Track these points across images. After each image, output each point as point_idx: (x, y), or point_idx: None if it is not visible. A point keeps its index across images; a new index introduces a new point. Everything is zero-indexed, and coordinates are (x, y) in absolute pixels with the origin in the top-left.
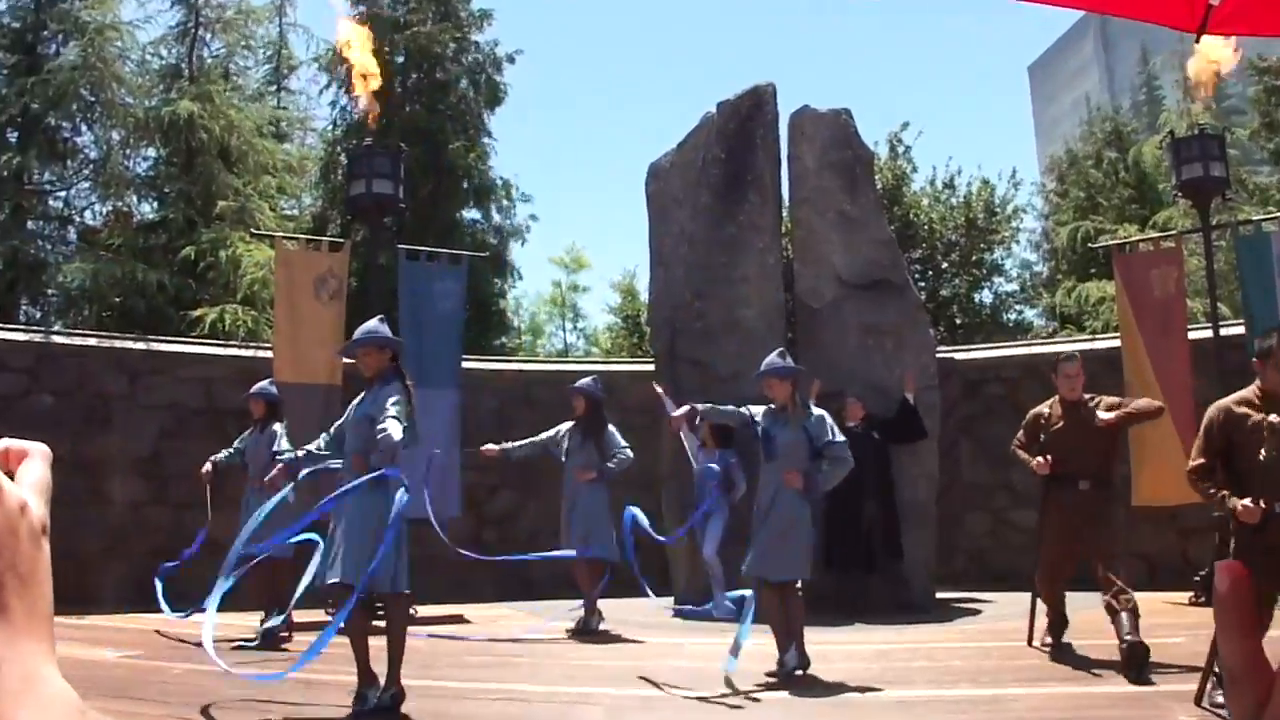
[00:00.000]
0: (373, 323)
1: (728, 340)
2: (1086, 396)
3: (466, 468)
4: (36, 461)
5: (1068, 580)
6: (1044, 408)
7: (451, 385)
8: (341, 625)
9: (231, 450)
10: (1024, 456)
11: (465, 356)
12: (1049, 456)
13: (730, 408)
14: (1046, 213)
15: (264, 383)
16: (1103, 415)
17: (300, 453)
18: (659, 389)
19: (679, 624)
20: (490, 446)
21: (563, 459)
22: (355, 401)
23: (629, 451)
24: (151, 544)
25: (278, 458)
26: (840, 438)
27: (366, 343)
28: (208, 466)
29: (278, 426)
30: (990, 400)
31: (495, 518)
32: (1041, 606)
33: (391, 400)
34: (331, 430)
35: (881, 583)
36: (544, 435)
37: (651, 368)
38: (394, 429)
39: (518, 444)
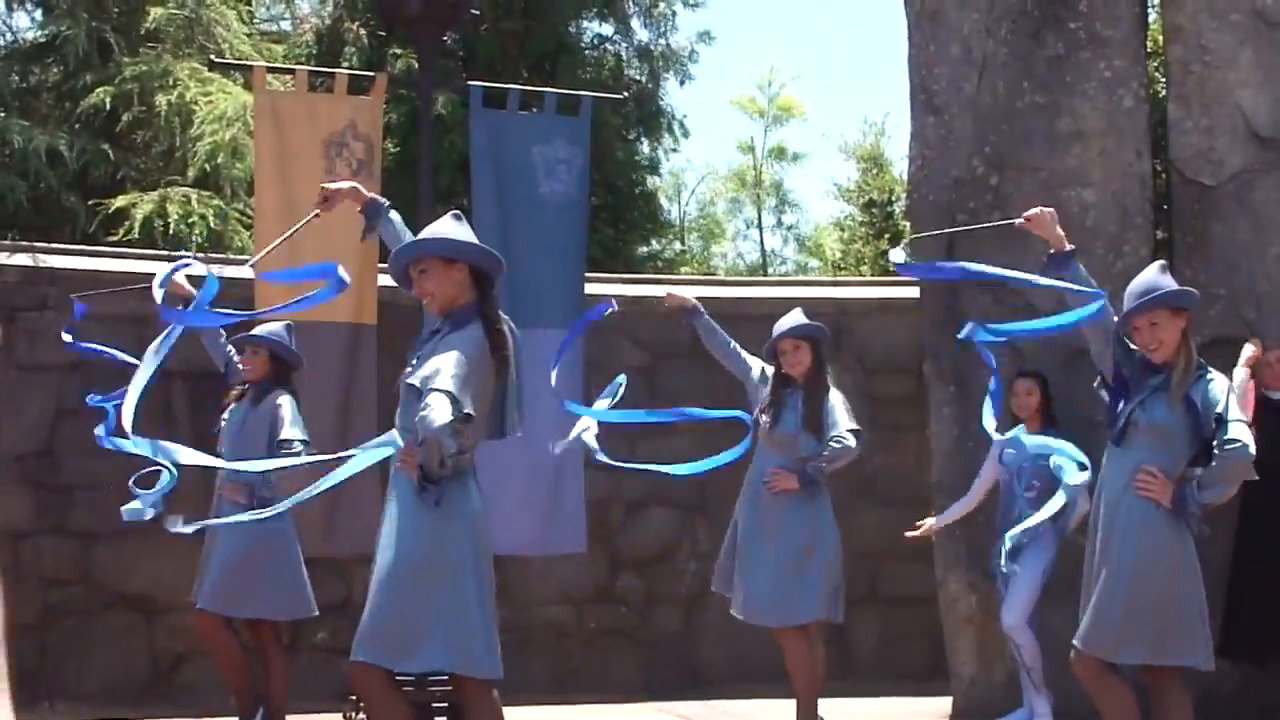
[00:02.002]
0: (444, 222)
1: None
2: None
3: (592, 468)
4: None
5: None
6: None
7: (566, 323)
8: None
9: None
10: None
11: (590, 275)
12: None
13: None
14: None
15: (276, 326)
16: None
17: None
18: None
19: None
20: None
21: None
22: (415, 350)
23: (850, 438)
24: (45, 602)
25: (283, 448)
26: (1238, 415)
27: (424, 253)
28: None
29: (284, 401)
30: None
31: (639, 556)
32: None
33: (454, 360)
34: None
35: None
36: (750, 358)
37: (914, 292)
38: (438, 410)
39: (720, 330)
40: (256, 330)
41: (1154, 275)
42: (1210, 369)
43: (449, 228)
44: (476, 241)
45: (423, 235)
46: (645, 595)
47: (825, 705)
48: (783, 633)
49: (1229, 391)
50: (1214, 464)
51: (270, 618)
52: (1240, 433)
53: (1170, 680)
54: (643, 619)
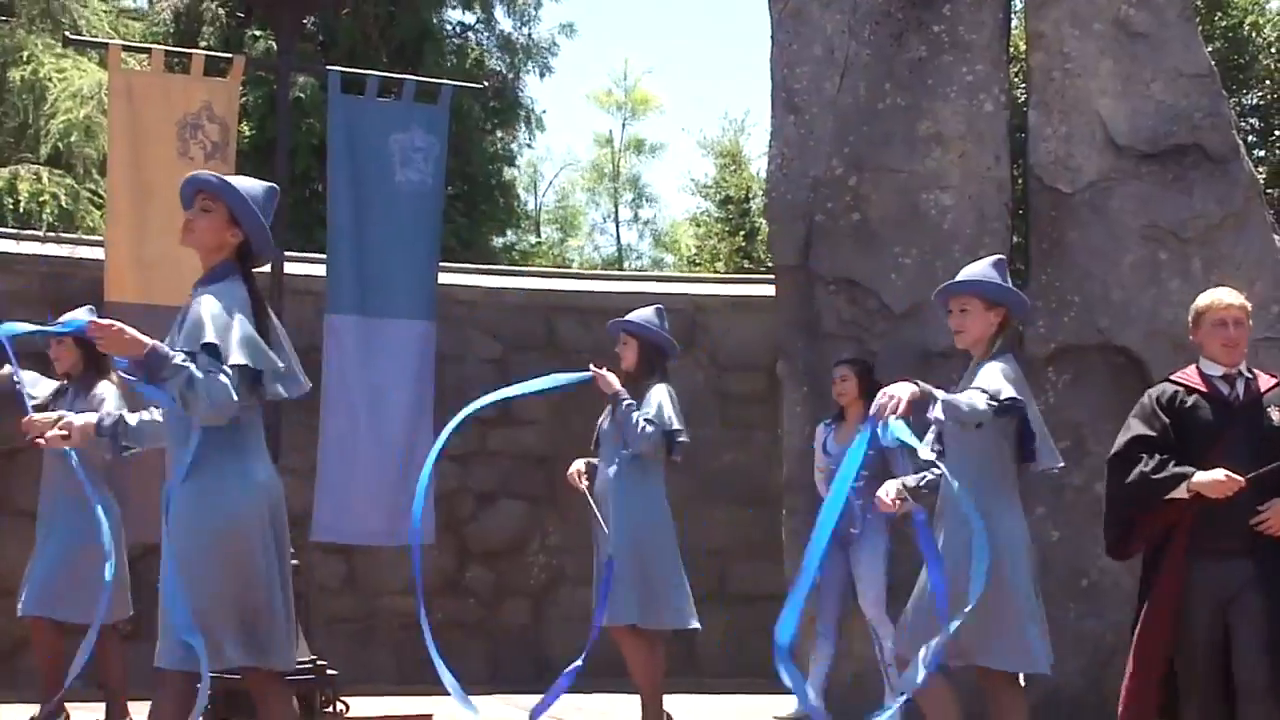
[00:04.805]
0: (259, 186)
1: (905, 246)
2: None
3: (445, 458)
4: None
5: None
6: (1171, 386)
7: (419, 313)
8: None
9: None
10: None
11: (444, 265)
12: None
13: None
14: None
15: (82, 310)
16: None
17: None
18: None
19: None
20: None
21: (593, 445)
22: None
23: (647, 425)
24: None
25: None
26: (992, 385)
27: (220, 193)
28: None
29: (105, 387)
30: None
31: (488, 547)
32: None
33: (212, 312)
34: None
35: None
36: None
37: (768, 290)
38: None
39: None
40: (61, 321)
41: (981, 265)
42: (997, 360)
43: (260, 193)
44: (266, 225)
45: (234, 181)
46: (494, 587)
47: (671, 702)
48: (620, 634)
49: (997, 373)
50: (962, 395)
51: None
52: (989, 384)
53: (1002, 684)
54: (491, 611)
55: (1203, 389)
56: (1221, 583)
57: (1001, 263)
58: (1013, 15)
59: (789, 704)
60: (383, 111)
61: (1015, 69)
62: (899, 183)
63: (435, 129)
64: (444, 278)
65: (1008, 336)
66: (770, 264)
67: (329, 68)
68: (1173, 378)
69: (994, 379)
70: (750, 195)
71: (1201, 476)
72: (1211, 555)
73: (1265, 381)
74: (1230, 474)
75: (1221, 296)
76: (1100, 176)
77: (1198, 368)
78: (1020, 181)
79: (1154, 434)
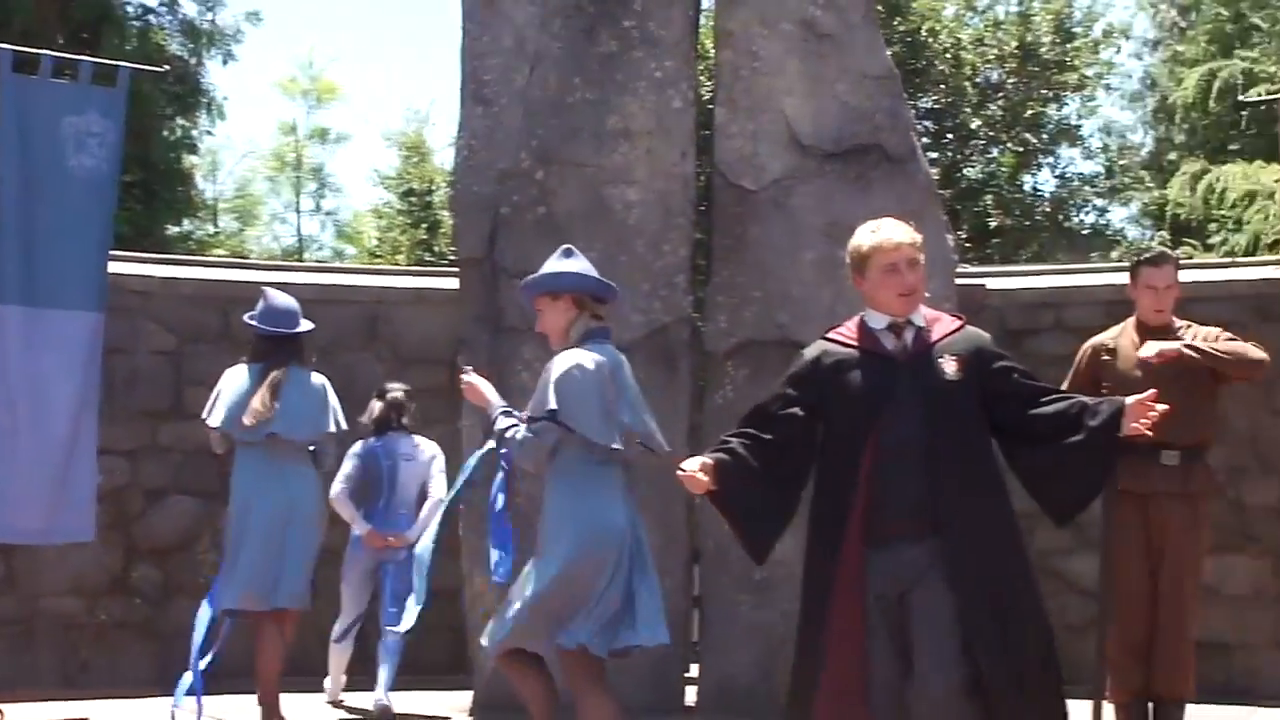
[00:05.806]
0: None
1: (590, 240)
2: (1178, 324)
3: (108, 452)
4: None
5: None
6: (1108, 338)
7: (88, 304)
8: None
9: None
10: None
11: (117, 254)
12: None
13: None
14: (1156, 39)
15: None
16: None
17: None
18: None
19: None
20: None
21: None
22: None
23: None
24: None
25: None
26: (542, 401)
27: None
28: None
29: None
30: (1043, 359)
31: (157, 545)
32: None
33: None
34: None
35: None
36: None
37: (451, 284)
38: None
39: None
40: None
41: (550, 260)
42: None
43: None
44: None
45: None
46: (162, 586)
47: (349, 699)
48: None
49: (543, 384)
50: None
51: None
52: (535, 401)
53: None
54: (159, 610)
55: (863, 344)
56: (895, 574)
57: (566, 250)
58: (701, 13)
59: (464, 699)
60: (57, 93)
61: (702, 66)
62: (586, 176)
63: (112, 113)
64: (116, 267)
65: (584, 320)
66: (453, 257)
67: (3, 47)
68: (828, 334)
69: (539, 394)
70: (433, 188)
71: None
72: (883, 543)
73: (941, 326)
74: None
75: (890, 235)
76: (784, 174)
77: (861, 319)
78: (704, 178)
79: (782, 395)
